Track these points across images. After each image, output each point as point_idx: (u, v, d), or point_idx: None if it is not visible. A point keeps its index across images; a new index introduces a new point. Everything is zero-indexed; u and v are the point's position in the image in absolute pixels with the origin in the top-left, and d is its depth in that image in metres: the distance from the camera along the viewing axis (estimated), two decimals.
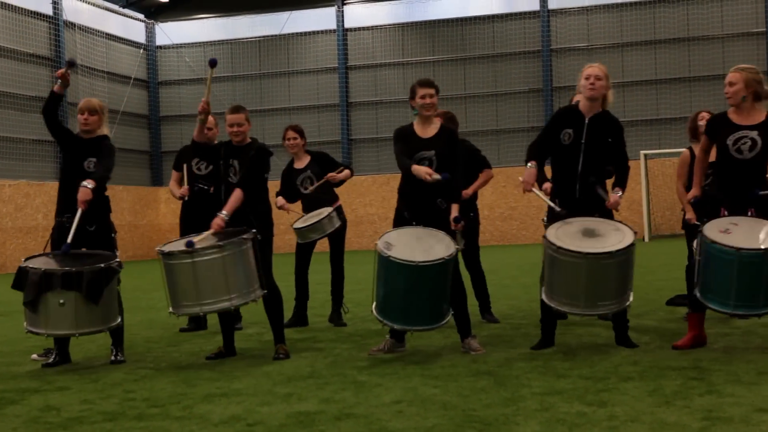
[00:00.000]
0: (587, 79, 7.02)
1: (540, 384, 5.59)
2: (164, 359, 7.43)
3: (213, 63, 7.31)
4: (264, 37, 35.70)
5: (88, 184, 7.07)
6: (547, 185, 7.21)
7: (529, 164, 7.04)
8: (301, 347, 7.63)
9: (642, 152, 29.65)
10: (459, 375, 6.03)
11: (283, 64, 35.48)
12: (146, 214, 33.01)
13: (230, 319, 7.48)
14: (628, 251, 6.60)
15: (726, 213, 6.71)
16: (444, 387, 5.64)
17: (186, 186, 9.02)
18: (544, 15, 33.15)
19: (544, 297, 6.87)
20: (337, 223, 9.07)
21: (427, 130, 7.16)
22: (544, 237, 6.78)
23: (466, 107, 32.96)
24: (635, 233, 6.76)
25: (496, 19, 33.80)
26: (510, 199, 30.41)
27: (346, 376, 6.20)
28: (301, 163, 9.34)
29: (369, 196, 32.61)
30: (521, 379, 5.77)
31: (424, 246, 6.80)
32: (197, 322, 9.16)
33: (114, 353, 7.37)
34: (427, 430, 4.53)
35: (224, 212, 7.17)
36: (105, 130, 7.48)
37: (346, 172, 9.22)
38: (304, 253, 9.27)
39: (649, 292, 11.09)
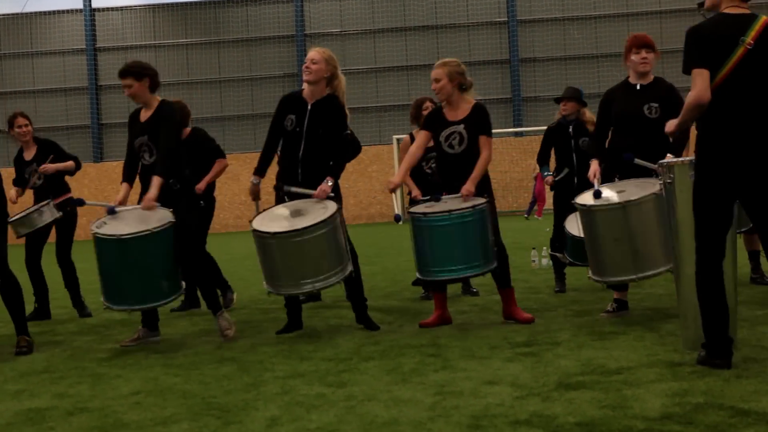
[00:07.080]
0: (305, 63, 7.06)
1: (283, 368, 5.60)
2: None
3: None
4: (4, 15, 33.86)
5: None
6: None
7: (252, 179, 7.13)
8: (38, 341, 7.25)
9: (395, 137, 30.47)
10: (202, 363, 5.94)
11: (26, 45, 33.78)
12: None
13: None
14: (319, 227, 6.44)
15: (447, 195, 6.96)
16: (186, 375, 5.53)
17: None
18: (298, 0, 33.34)
19: (264, 282, 6.82)
20: (52, 216, 8.54)
21: (145, 114, 7.04)
22: (250, 222, 6.74)
23: (221, 91, 32.66)
24: (339, 208, 6.67)
25: (250, 3, 33.69)
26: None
27: (84, 369, 5.96)
28: (30, 153, 8.88)
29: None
30: (265, 364, 5.75)
31: (141, 222, 6.60)
32: None
33: None
34: (164, 420, 4.42)
35: None
36: None
37: (69, 164, 8.82)
38: (34, 244, 8.80)
39: (397, 274, 11.39)
